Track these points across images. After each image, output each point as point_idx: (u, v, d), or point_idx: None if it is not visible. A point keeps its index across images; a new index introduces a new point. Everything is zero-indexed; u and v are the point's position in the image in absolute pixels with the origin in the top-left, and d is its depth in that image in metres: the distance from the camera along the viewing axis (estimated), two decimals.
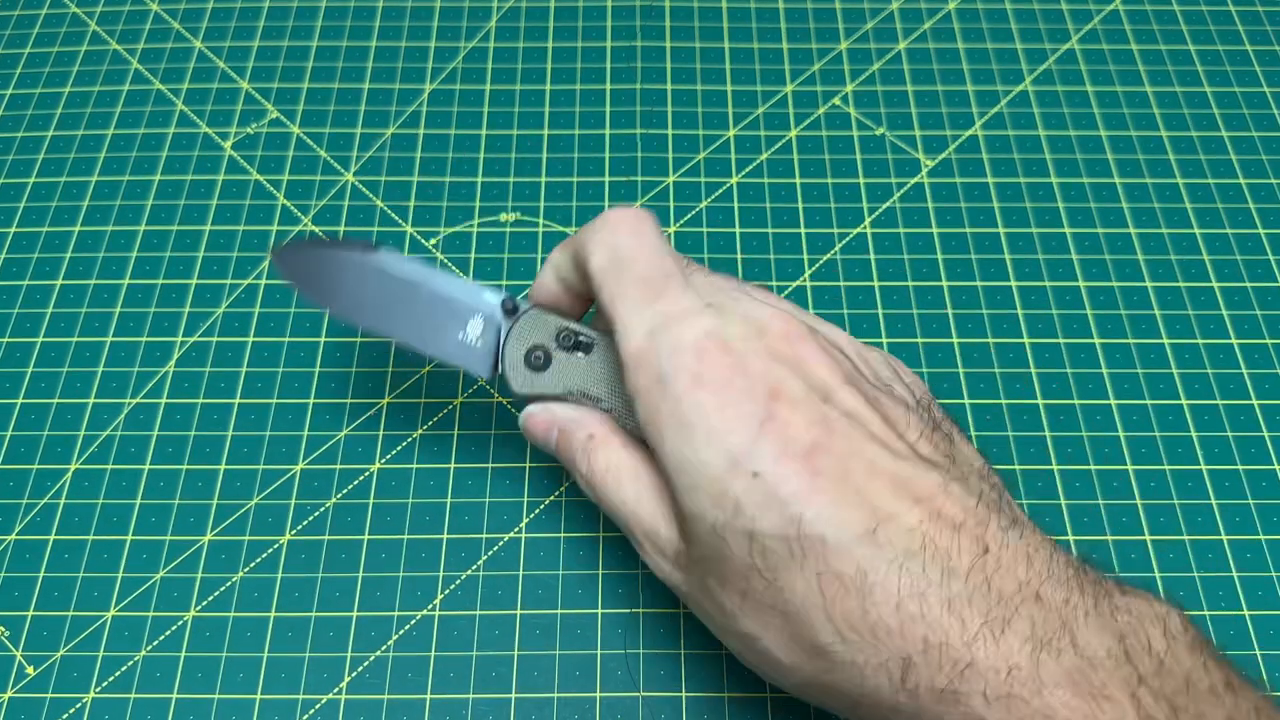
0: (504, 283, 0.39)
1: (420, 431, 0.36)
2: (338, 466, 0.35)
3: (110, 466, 0.35)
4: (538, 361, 0.30)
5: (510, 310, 0.31)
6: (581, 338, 0.30)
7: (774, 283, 0.39)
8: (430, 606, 0.33)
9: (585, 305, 0.32)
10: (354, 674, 0.32)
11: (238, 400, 0.37)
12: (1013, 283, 0.39)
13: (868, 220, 0.41)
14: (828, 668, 0.24)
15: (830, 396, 0.26)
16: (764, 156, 0.43)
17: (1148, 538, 0.34)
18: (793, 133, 0.43)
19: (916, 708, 0.23)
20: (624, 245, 0.29)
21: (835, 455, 0.24)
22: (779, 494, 0.24)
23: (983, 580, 0.23)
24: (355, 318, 0.31)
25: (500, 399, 0.37)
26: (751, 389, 0.25)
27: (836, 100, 0.44)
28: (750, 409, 0.25)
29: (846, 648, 0.23)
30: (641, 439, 0.28)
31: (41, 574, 0.33)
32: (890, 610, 0.23)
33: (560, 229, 0.41)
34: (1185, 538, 0.34)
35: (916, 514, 0.24)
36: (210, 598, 0.33)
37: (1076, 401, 0.37)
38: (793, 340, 0.27)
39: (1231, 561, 0.34)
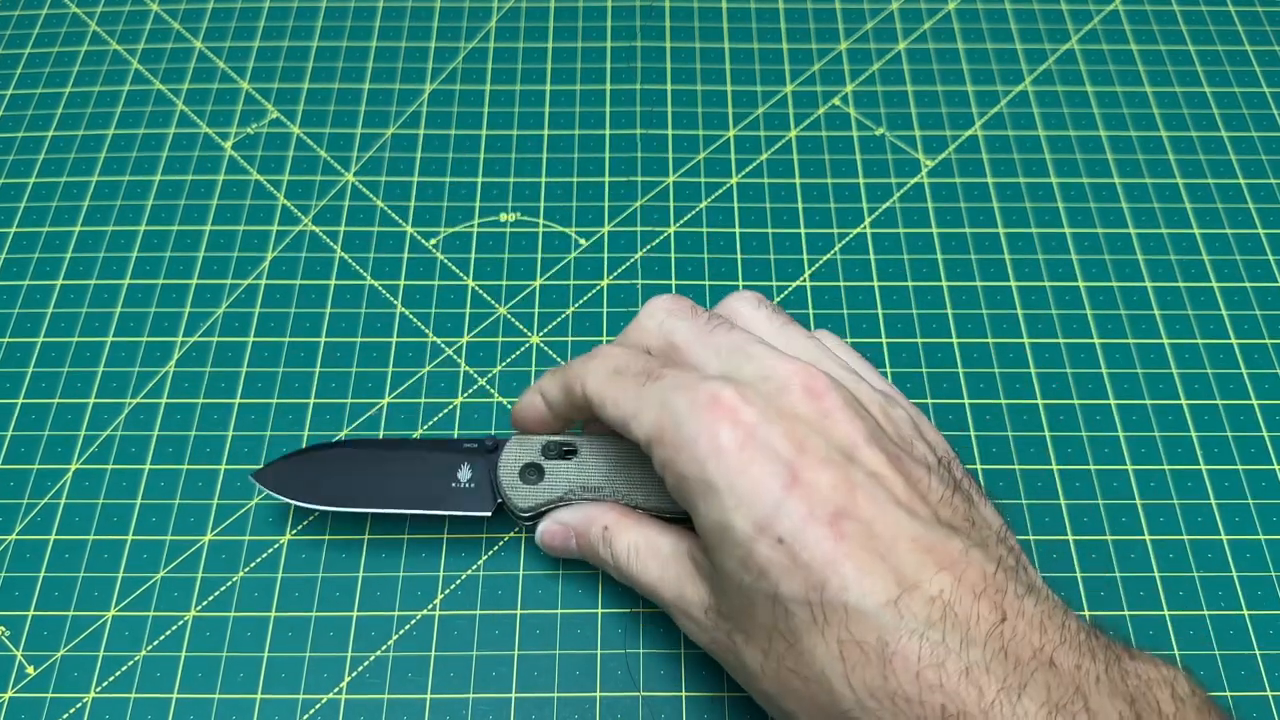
0: (503, 283, 0.39)
1: (421, 431, 0.36)
2: None
3: (110, 466, 0.35)
4: (532, 478, 0.32)
5: (491, 448, 0.32)
6: (565, 446, 0.32)
7: (774, 283, 0.39)
8: (430, 606, 0.33)
9: (568, 425, 0.33)
10: (354, 674, 0.32)
11: (238, 400, 0.37)
12: (1012, 283, 0.39)
13: (867, 220, 0.41)
14: None
15: (854, 456, 0.26)
16: (764, 157, 0.43)
17: (1147, 538, 0.34)
18: (793, 133, 0.44)
19: None
20: (614, 356, 0.30)
21: (860, 520, 0.25)
22: (803, 559, 0.24)
23: (1000, 647, 0.23)
24: (354, 505, 0.32)
25: (500, 399, 0.37)
26: (774, 449, 0.26)
27: (836, 100, 0.44)
28: (774, 470, 0.25)
29: (866, 715, 0.24)
30: (652, 513, 0.31)
31: (42, 574, 0.33)
32: (910, 679, 0.23)
33: (560, 229, 0.41)
34: (1185, 538, 0.34)
35: (938, 582, 0.24)
36: (210, 598, 0.33)
37: (1076, 401, 0.37)
38: (815, 396, 0.27)
39: (1231, 561, 0.34)
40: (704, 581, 0.28)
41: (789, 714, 0.26)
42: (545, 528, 0.32)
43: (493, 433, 0.35)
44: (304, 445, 0.36)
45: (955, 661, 0.23)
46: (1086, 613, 0.33)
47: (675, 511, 0.32)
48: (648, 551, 0.30)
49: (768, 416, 0.26)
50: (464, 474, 0.33)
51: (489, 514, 0.32)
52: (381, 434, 0.36)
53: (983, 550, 0.25)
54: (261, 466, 0.33)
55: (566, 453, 0.33)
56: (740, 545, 0.25)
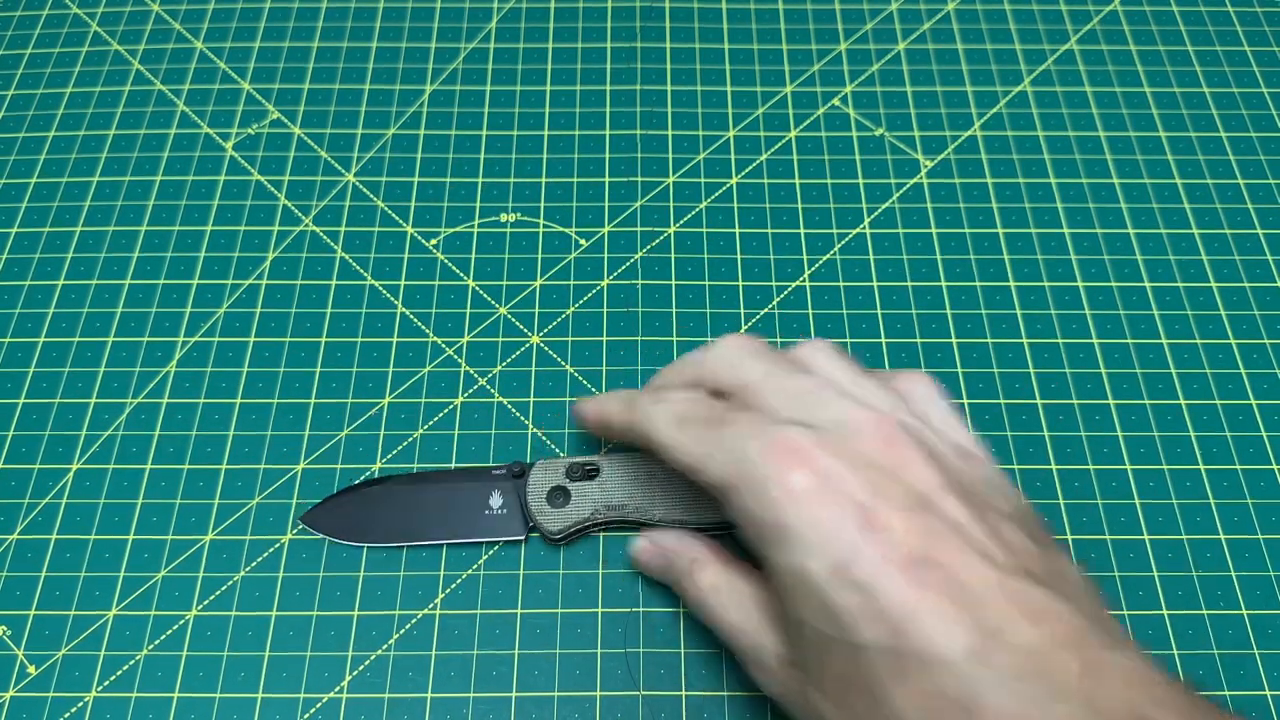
0: (503, 283, 0.40)
1: (421, 431, 0.36)
2: (339, 466, 0.35)
3: (112, 466, 0.35)
4: (559, 501, 0.33)
5: (519, 473, 0.34)
6: (588, 467, 0.34)
7: (774, 283, 0.39)
8: (431, 606, 0.33)
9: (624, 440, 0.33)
10: (355, 673, 0.32)
11: (239, 400, 0.37)
12: (1011, 283, 0.40)
13: (867, 221, 0.41)
14: None
15: (931, 504, 0.25)
16: (764, 157, 0.43)
17: (1146, 537, 0.34)
18: (792, 133, 0.44)
19: None
20: (681, 403, 0.30)
21: (940, 567, 0.24)
22: (882, 606, 0.23)
23: (1085, 699, 0.22)
24: (397, 540, 0.34)
25: (500, 399, 0.37)
26: (849, 494, 0.25)
27: (836, 101, 0.45)
28: (849, 514, 0.25)
29: None
30: (673, 525, 0.32)
31: (43, 573, 0.33)
32: None
33: (560, 229, 0.41)
34: (1184, 537, 0.34)
35: (1024, 633, 0.23)
36: (211, 597, 0.33)
37: (1075, 401, 0.37)
38: (891, 444, 0.26)
39: (1230, 561, 0.34)
40: (779, 631, 0.27)
41: None
42: (641, 546, 0.32)
43: (495, 429, 0.36)
44: (306, 433, 0.36)
45: (1043, 715, 0.22)
46: None
47: (699, 523, 0.33)
48: (729, 592, 0.29)
49: (842, 462, 0.25)
50: (495, 501, 0.34)
51: (523, 538, 0.34)
52: (382, 433, 0.36)
53: (1067, 603, 0.24)
54: (309, 510, 0.34)
55: (590, 473, 0.34)
56: (816, 592, 0.24)
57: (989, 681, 0.22)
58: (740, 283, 0.39)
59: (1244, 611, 0.33)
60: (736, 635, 0.29)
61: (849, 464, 0.25)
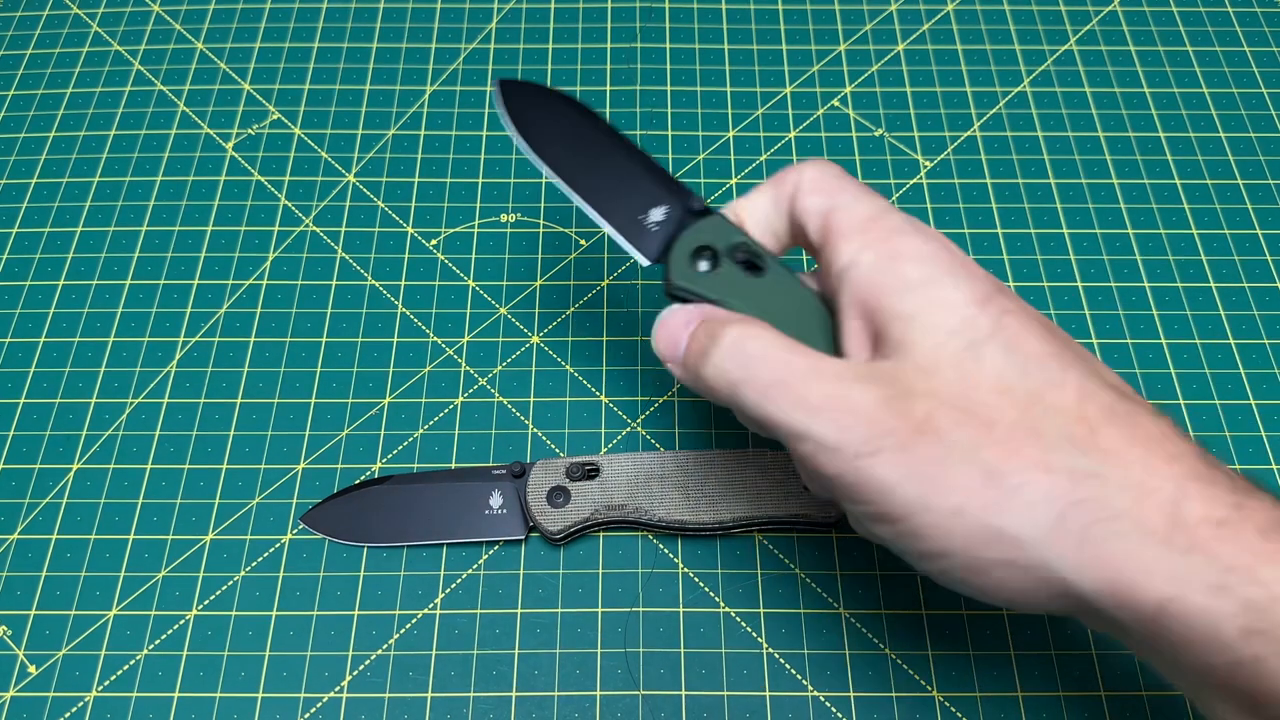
0: (503, 283, 0.40)
1: (421, 431, 0.36)
2: (339, 466, 0.35)
3: (112, 466, 0.35)
4: (559, 501, 0.33)
5: (519, 473, 0.33)
6: (588, 467, 0.33)
7: None
8: (431, 605, 0.33)
9: (785, 245, 0.29)
10: (355, 672, 0.32)
11: (239, 400, 0.37)
12: (1010, 283, 0.40)
13: None
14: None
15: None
16: (763, 157, 0.43)
17: None
18: (792, 134, 0.44)
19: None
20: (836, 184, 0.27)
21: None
22: (1036, 334, 0.24)
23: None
24: (397, 540, 0.34)
25: (500, 399, 0.37)
26: (959, 271, 0.25)
27: (836, 101, 0.45)
28: (958, 280, 0.25)
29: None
30: (673, 527, 0.32)
31: (44, 573, 0.34)
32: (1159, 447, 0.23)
33: (560, 229, 0.41)
34: None
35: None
36: (212, 597, 0.33)
37: None
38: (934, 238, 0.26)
39: None
40: (868, 382, 0.24)
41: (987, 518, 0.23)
42: (668, 319, 0.28)
43: (495, 429, 0.36)
44: (306, 433, 0.36)
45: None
46: None
47: (699, 523, 0.33)
48: (782, 341, 0.26)
49: (940, 240, 0.26)
50: (495, 501, 0.34)
51: (523, 538, 0.34)
52: (382, 433, 0.36)
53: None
54: (309, 510, 0.35)
55: (590, 473, 0.34)
56: (962, 318, 0.24)
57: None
58: None
59: None
60: (794, 377, 0.25)
61: (947, 245, 0.26)
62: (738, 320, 0.26)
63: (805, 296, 0.27)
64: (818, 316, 0.27)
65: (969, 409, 0.23)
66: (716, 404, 0.28)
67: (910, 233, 0.26)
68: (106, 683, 0.32)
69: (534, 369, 0.38)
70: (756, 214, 0.28)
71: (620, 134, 0.31)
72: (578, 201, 0.30)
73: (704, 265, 0.28)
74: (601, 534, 0.34)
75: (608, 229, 0.30)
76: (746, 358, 0.25)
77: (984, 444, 0.23)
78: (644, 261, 0.29)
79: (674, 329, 0.27)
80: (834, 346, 0.27)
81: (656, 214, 0.29)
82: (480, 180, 0.42)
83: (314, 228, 0.41)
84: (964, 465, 0.23)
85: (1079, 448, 0.23)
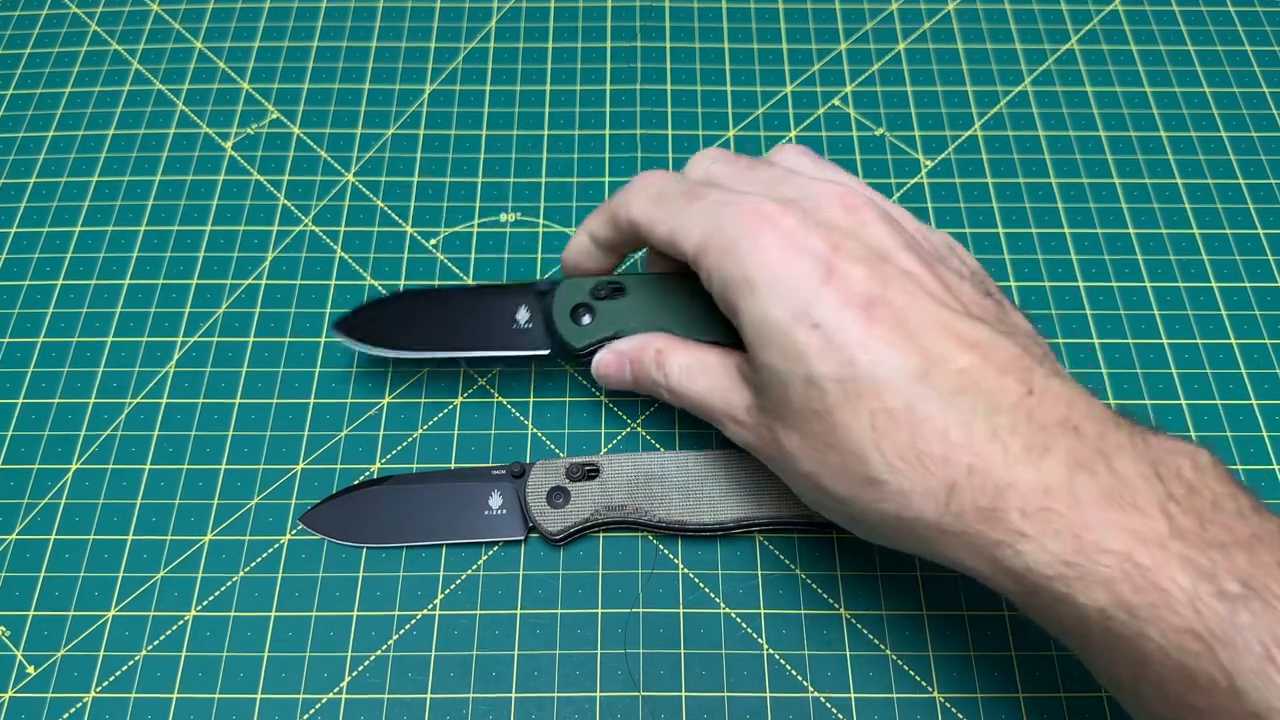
0: (504, 281, 0.39)
1: (421, 431, 0.36)
2: (339, 466, 0.35)
3: (111, 466, 0.35)
4: (559, 501, 0.33)
5: (519, 474, 0.34)
6: (588, 467, 0.34)
7: None
8: (430, 606, 0.33)
9: (617, 260, 0.34)
10: (354, 673, 0.32)
11: (238, 400, 0.37)
12: (1012, 283, 0.39)
13: None
14: (879, 496, 0.26)
15: (888, 257, 0.28)
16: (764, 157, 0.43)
17: None
18: (792, 133, 0.44)
19: (961, 526, 0.25)
20: (656, 182, 0.32)
21: (891, 307, 0.27)
22: (837, 341, 0.26)
23: (1026, 414, 0.25)
24: (398, 541, 0.34)
25: (500, 399, 0.37)
26: (812, 249, 0.27)
27: (836, 101, 0.45)
28: (811, 266, 0.27)
29: (896, 476, 0.25)
30: (673, 527, 0.33)
31: (42, 574, 0.33)
32: (937, 440, 0.25)
33: (560, 229, 0.41)
34: None
35: (965, 358, 0.26)
36: (211, 597, 0.33)
37: None
38: (852, 208, 0.29)
39: None
40: (747, 386, 0.30)
41: (824, 489, 0.27)
42: (601, 358, 0.33)
43: (494, 429, 0.35)
44: (305, 433, 0.36)
45: (982, 424, 0.25)
46: None
47: (699, 523, 0.33)
48: (698, 368, 0.31)
49: (806, 223, 0.28)
50: (495, 501, 0.34)
51: (522, 538, 0.34)
52: (381, 433, 0.36)
53: (1010, 338, 0.27)
54: (309, 510, 0.34)
55: (589, 473, 0.34)
56: (780, 334, 0.27)
57: (930, 398, 0.25)
58: None
59: None
60: (709, 400, 0.31)
61: (812, 224, 0.28)
62: (654, 347, 0.32)
63: (668, 286, 0.33)
64: (685, 293, 0.33)
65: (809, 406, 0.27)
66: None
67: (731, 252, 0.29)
68: (105, 683, 0.32)
69: (534, 369, 0.37)
70: (597, 232, 0.34)
71: (442, 286, 0.35)
72: (466, 356, 0.34)
73: (586, 319, 0.33)
74: (601, 534, 0.34)
75: (502, 354, 0.34)
76: (676, 376, 0.32)
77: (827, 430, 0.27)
78: (545, 352, 0.34)
79: (613, 374, 0.33)
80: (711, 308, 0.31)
81: (522, 316, 0.34)
82: (480, 180, 0.42)
83: (313, 227, 0.41)
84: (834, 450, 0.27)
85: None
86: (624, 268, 0.37)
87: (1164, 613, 0.22)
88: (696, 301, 0.32)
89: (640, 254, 0.39)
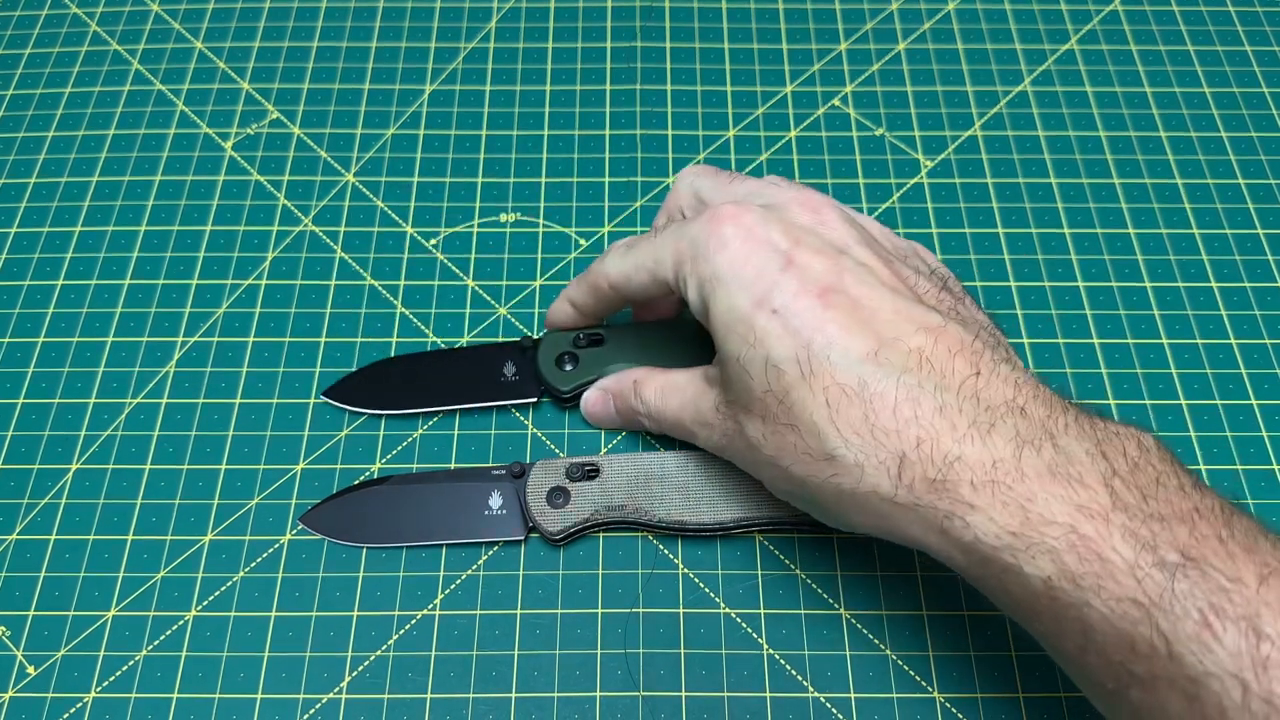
0: (503, 283, 0.39)
1: (421, 431, 0.36)
2: (339, 466, 0.35)
3: (111, 466, 0.35)
4: (559, 501, 0.34)
5: (519, 474, 0.35)
6: (588, 467, 0.34)
7: None
8: (430, 606, 0.33)
9: (598, 321, 0.36)
10: (354, 673, 0.32)
11: (238, 400, 0.37)
12: (1012, 283, 0.39)
13: None
14: (834, 472, 0.27)
15: (846, 250, 0.30)
16: (764, 157, 0.43)
17: None
18: (792, 133, 0.44)
19: (912, 499, 0.26)
20: (623, 240, 0.34)
21: (847, 295, 0.28)
22: (794, 325, 0.28)
23: (973, 394, 0.26)
24: (396, 541, 0.34)
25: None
26: (773, 242, 0.29)
27: (836, 101, 0.45)
28: (770, 257, 0.29)
29: (849, 450, 0.27)
30: (673, 527, 0.33)
31: (42, 574, 0.33)
32: (888, 414, 0.26)
33: (560, 229, 0.41)
34: None
35: (916, 340, 0.27)
36: (211, 597, 0.33)
37: (1076, 402, 0.37)
38: (813, 207, 0.31)
39: None
40: (713, 387, 0.31)
41: (785, 471, 0.29)
42: (587, 396, 0.35)
43: (494, 429, 0.35)
44: (305, 433, 0.36)
45: (930, 400, 0.26)
46: None
47: (699, 523, 0.33)
48: (670, 388, 0.33)
49: (767, 219, 0.30)
50: (495, 501, 0.34)
51: (522, 538, 0.34)
52: (381, 434, 0.36)
53: (961, 325, 0.28)
54: (309, 510, 0.34)
55: (589, 473, 0.34)
56: (741, 321, 0.28)
57: (880, 375, 0.27)
58: None
59: None
60: (682, 415, 0.33)
61: (773, 220, 0.30)
62: (632, 379, 0.34)
63: (643, 332, 0.36)
64: (659, 338, 0.36)
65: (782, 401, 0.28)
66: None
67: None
68: (105, 683, 0.32)
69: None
70: (577, 298, 0.35)
71: (427, 351, 0.37)
72: (460, 408, 0.36)
73: (569, 366, 0.36)
74: (601, 534, 0.34)
75: (493, 405, 0.36)
76: (649, 403, 0.34)
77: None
78: (533, 399, 0.36)
79: (600, 411, 0.36)
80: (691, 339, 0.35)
81: (509, 370, 0.36)
82: (480, 180, 0.42)
83: (313, 227, 0.41)
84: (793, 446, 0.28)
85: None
86: None
87: (1106, 582, 0.23)
88: (670, 344, 0.35)
89: None
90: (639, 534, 0.34)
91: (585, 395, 0.36)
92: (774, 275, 0.28)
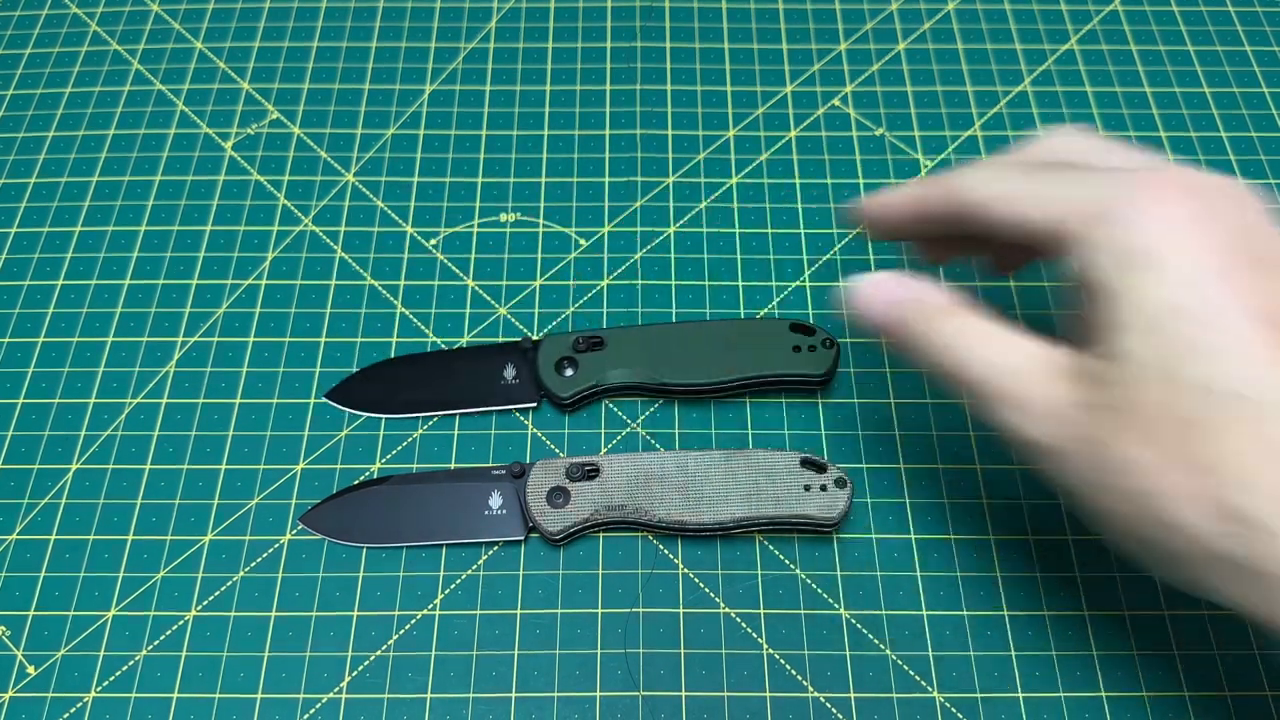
0: (503, 283, 0.40)
1: (421, 431, 0.36)
2: (339, 466, 0.35)
3: (111, 466, 0.35)
4: (559, 501, 0.34)
5: (519, 474, 0.34)
6: (588, 467, 0.34)
7: (774, 283, 0.39)
8: (430, 606, 0.33)
9: (924, 228, 0.31)
10: (354, 673, 0.32)
11: (238, 400, 0.37)
12: (1012, 283, 0.39)
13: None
14: (1238, 533, 0.22)
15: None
16: (764, 157, 0.43)
17: None
18: (792, 133, 0.44)
19: None
20: (1001, 161, 0.30)
21: None
22: (1250, 353, 0.23)
23: None
24: (396, 541, 0.34)
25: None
26: (1224, 243, 0.24)
27: (836, 101, 0.45)
28: (1225, 261, 0.24)
29: (1275, 521, 0.22)
30: (673, 528, 0.33)
31: (42, 574, 0.33)
32: None
33: (560, 229, 0.41)
34: None
35: None
36: (211, 597, 0.33)
37: None
38: (1244, 204, 0.26)
39: None
40: (1062, 378, 0.26)
41: (1160, 512, 0.24)
42: (876, 280, 0.30)
43: (495, 429, 0.36)
44: (305, 433, 0.36)
45: None
46: (1085, 612, 0.33)
47: (699, 524, 0.33)
48: (983, 337, 0.28)
49: (1213, 211, 0.25)
50: (495, 501, 0.34)
51: (522, 538, 0.34)
52: (381, 434, 0.36)
53: None
54: (309, 510, 0.34)
55: (589, 473, 0.34)
56: (1165, 321, 0.24)
57: None
58: (740, 283, 0.39)
59: None
60: (990, 377, 0.27)
61: (1217, 212, 0.25)
62: (938, 298, 0.29)
63: (645, 336, 0.36)
64: (661, 343, 0.36)
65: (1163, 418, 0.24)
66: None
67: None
68: (105, 683, 0.32)
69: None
70: (915, 201, 0.30)
71: (427, 352, 0.37)
72: (460, 412, 0.36)
73: (569, 371, 0.36)
74: (601, 534, 0.34)
75: (494, 408, 0.36)
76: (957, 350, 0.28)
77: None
78: (533, 404, 0.36)
79: (876, 309, 0.30)
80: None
81: (509, 373, 0.36)
82: (479, 180, 0.42)
83: (313, 227, 0.41)
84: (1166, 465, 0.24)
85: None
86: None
87: None
88: (673, 349, 0.35)
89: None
90: (639, 534, 0.34)
91: (872, 280, 0.30)
92: (1226, 283, 0.24)
